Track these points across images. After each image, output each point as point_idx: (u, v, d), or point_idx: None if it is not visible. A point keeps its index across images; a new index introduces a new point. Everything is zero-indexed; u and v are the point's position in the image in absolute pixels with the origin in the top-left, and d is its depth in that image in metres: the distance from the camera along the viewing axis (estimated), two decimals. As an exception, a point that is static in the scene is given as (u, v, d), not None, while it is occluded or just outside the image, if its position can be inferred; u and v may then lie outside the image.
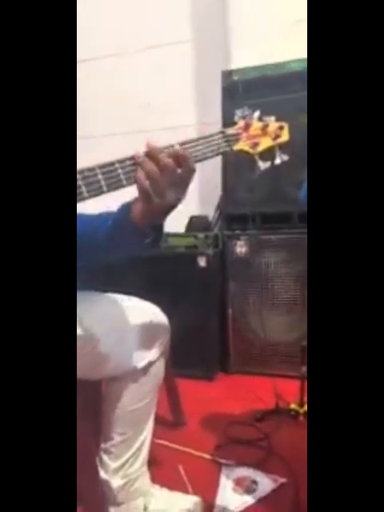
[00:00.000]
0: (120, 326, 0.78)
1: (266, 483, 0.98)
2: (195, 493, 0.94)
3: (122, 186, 0.64)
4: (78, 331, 0.75)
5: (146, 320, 0.82)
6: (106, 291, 0.86)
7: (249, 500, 0.94)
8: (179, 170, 0.61)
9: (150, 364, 0.83)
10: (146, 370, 0.82)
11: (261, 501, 0.93)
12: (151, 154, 0.60)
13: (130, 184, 0.64)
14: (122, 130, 1.81)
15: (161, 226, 0.68)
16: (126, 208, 0.67)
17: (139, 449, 0.85)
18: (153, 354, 0.83)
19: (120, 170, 0.62)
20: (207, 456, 1.11)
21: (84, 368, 0.78)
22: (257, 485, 0.98)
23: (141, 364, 0.81)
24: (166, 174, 0.60)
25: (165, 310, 0.88)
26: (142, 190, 0.61)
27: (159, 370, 0.86)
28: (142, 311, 0.83)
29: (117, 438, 0.83)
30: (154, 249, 0.70)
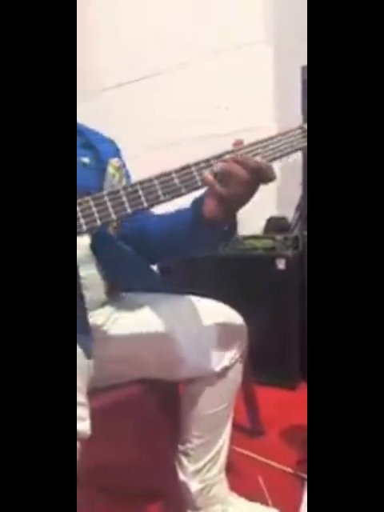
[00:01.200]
0: (196, 327, 0.78)
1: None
2: (275, 506, 0.90)
3: (198, 188, 0.65)
4: (155, 332, 0.77)
5: (223, 323, 0.80)
6: (182, 293, 0.86)
7: (335, 521, 0.87)
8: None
9: (228, 368, 0.81)
10: (223, 373, 0.80)
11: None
12: (239, 160, 0.61)
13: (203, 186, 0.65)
14: (202, 134, 1.83)
15: (234, 219, 0.69)
16: (198, 202, 0.68)
17: (217, 454, 0.84)
18: (230, 357, 0.81)
19: (195, 173, 0.63)
20: (289, 469, 1.05)
21: (160, 369, 0.79)
22: (344, 506, 0.90)
23: (218, 367, 0.79)
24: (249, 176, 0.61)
25: (242, 313, 0.85)
26: (214, 191, 0.62)
27: (237, 374, 0.84)
28: (219, 314, 0.81)
29: (195, 441, 0.83)
30: (226, 240, 0.71)
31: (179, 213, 0.75)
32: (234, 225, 0.70)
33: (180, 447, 0.85)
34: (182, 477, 0.84)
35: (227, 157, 0.63)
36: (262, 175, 0.61)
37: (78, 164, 0.75)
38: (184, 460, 0.84)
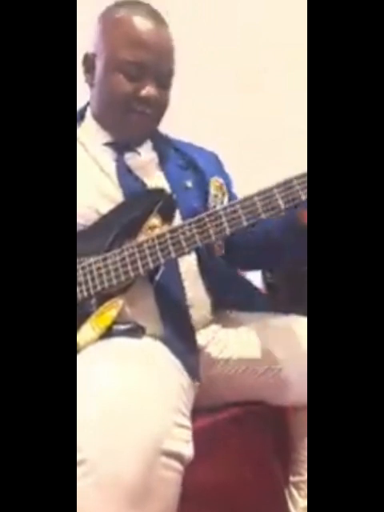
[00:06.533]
0: (305, 351, 0.73)
1: None
2: None
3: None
4: (259, 353, 0.74)
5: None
6: (290, 312, 0.82)
7: None
8: None
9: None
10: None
11: None
12: None
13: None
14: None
15: None
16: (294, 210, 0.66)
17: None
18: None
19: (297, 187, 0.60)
20: None
21: (265, 392, 0.76)
22: None
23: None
24: None
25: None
26: None
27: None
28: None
29: (306, 475, 0.77)
30: None
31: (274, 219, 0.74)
32: None
33: (291, 478, 0.80)
34: (292, 510, 0.78)
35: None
36: None
37: (180, 188, 0.78)
38: (295, 493, 0.79)
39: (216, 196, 0.84)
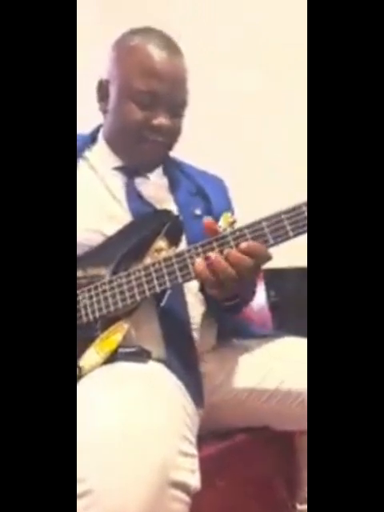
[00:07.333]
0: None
1: None
2: None
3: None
4: (261, 381, 0.73)
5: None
6: (296, 335, 0.81)
7: None
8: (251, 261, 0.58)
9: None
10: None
11: None
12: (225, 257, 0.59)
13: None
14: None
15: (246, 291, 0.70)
16: None
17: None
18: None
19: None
20: None
21: (270, 418, 0.75)
22: None
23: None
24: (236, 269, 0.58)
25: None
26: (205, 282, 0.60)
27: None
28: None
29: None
30: (235, 313, 0.77)
31: None
32: (248, 295, 0.73)
33: (298, 507, 0.78)
34: (300, 540, 0.76)
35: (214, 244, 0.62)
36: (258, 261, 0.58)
37: (189, 215, 0.78)
38: (303, 521, 0.77)
39: (224, 230, 0.83)
